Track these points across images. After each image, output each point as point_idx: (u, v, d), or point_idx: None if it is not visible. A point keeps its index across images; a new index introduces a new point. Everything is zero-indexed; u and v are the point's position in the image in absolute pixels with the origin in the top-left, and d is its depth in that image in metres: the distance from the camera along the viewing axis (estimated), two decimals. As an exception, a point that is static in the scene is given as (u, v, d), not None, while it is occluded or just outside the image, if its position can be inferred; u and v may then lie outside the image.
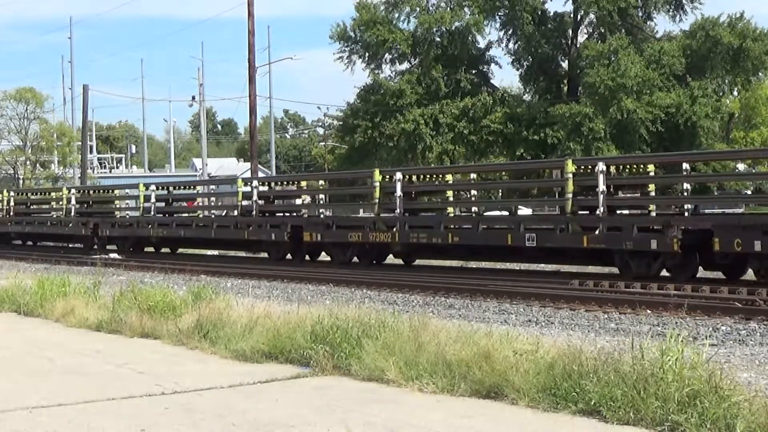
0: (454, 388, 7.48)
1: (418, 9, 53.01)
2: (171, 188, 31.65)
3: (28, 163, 61.14)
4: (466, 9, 52.31)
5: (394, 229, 20.84)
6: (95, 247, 30.93)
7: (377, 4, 53.47)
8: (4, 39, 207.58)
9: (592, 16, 52.57)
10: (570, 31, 54.15)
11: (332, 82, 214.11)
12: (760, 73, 51.96)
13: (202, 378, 8.44)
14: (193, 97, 72.36)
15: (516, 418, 6.70)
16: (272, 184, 28.35)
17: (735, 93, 60.14)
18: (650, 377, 6.45)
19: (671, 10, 51.96)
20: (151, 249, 30.86)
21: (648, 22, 54.26)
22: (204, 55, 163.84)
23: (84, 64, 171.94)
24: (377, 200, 21.60)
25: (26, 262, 27.99)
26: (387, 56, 54.27)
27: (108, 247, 31.54)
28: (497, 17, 53.27)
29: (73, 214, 33.39)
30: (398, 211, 21.17)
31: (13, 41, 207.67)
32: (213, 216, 29.26)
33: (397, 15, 53.65)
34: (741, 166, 44.17)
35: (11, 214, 37.76)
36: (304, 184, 28.02)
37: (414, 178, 22.31)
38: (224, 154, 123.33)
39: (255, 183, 26.15)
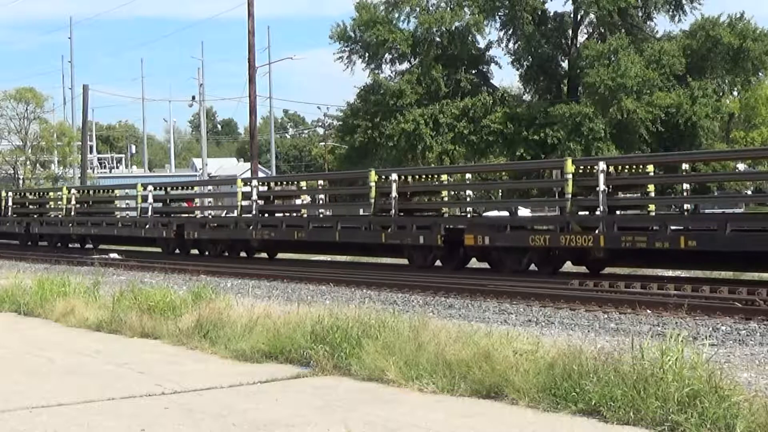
0: (454, 388, 7.48)
1: (418, 9, 53.02)
2: (273, 185, 27.84)
3: (28, 163, 61.16)
4: (466, 9, 52.32)
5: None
6: (176, 251, 28.27)
7: (377, 4, 53.49)
8: (4, 39, 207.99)
9: (592, 16, 52.59)
10: (570, 31, 54.17)
11: (332, 82, 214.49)
12: (760, 73, 51.99)
13: (202, 378, 8.44)
14: (193, 97, 72.44)
15: (516, 418, 6.70)
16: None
17: (735, 93, 60.13)
18: (650, 377, 6.45)
19: (671, 10, 51.97)
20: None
21: (648, 22, 54.29)
22: (204, 55, 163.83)
23: (84, 64, 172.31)
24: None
25: (26, 262, 27.98)
26: (387, 56, 54.30)
27: (194, 251, 28.54)
28: (497, 17, 53.28)
29: (150, 213, 29.48)
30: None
31: (13, 41, 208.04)
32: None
33: (397, 15, 53.68)
34: (741, 166, 44.16)
35: (72, 214, 33.48)
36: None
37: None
38: (224, 154, 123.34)
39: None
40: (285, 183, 27.53)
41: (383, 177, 21.88)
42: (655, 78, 47.23)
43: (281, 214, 25.54)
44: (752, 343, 10.41)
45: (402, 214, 21.26)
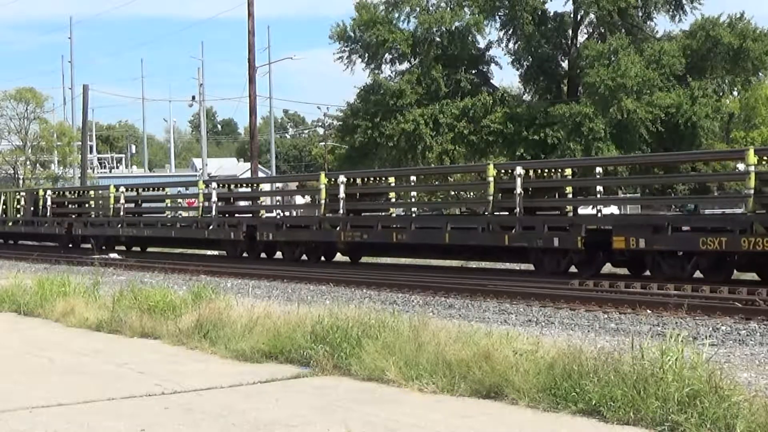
0: (454, 388, 7.48)
1: (418, 9, 52.98)
2: (361, 181, 24.38)
3: (28, 163, 61.19)
4: (466, 9, 52.29)
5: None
6: (244, 254, 25.99)
7: (377, 4, 53.45)
8: (4, 39, 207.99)
9: (592, 16, 52.54)
10: (570, 31, 54.11)
11: (332, 82, 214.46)
12: (760, 73, 51.94)
13: (202, 378, 8.44)
14: (193, 97, 72.39)
15: (516, 418, 6.70)
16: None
17: (735, 93, 60.11)
18: (650, 377, 6.45)
19: (671, 10, 51.92)
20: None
21: (648, 22, 54.23)
22: (204, 55, 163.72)
23: (84, 64, 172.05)
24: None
25: (26, 262, 27.96)
26: (387, 56, 54.23)
27: (265, 256, 26.15)
28: (497, 17, 53.24)
29: (214, 213, 26.61)
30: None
31: (13, 41, 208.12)
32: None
33: (397, 15, 53.62)
34: (741, 166, 44.05)
35: (121, 213, 30.71)
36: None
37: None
38: (224, 154, 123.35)
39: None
40: (373, 179, 24.18)
41: (504, 171, 19.51)
42: (655, 78, 47.19)
43: (371, 214, 23.05)
44: (752, 343, 10.42)
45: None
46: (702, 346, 7.08)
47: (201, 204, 26.99)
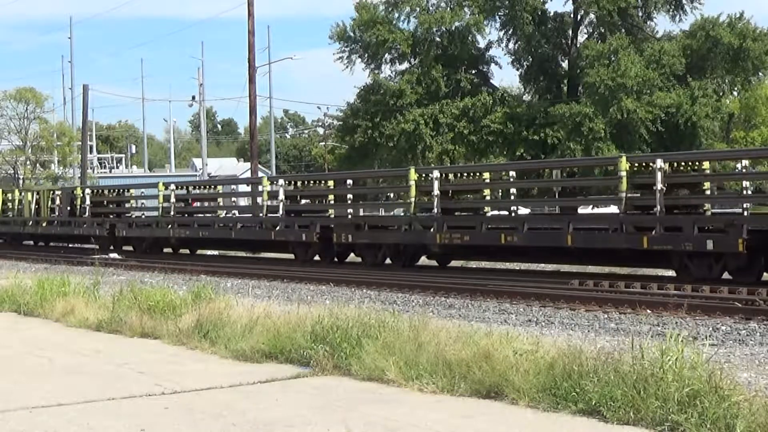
0: (454, 388, 7.48)
1: (418, 9, 53.03)
2: (453, 177, 22.23)
3: (28, 163, 61.18)
4: (466, 9, 52.34)
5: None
6: (315, 257, 23.76)
7: (377, 4, 53.51)
8: (4, 39, 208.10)
9: (592, 16, 52.61)
10: (570, 31, 54.17)
11: (332, 82, 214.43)
12: (760, 73, 51.99)
13: (202, 378, 8.44)
14: (193, 97, 72.33)
15: (516, 418, 6.70)
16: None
17: (735, 93, 60.12)
18: (650, 377, 6.45)
19: (671, 10, 51.99)
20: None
21: (648, 22, 54.30)
22: (204, 55, 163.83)
23: (84, 64, 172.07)
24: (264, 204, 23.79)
25: (26, 261, 27.97)
26: (387, 56, 54.30)
27: (344, 259, 24.04)
28: (497, 17, 53.29)
29: (282, 213, 24.54)
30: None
31: (13, 41, 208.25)
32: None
33: (397, 15, 53.71)
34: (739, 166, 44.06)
35: (172, 213, 28.55)
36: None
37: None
38: (224, 154, 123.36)
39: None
40: (467, 175, 22.36)
41: (638, 164, 17.76)
42: (655, 78, 47.24)
43: (466, 213, 21.35)
44: (752, 343, 10.41)
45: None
46: (702, 346, 7.08)
47: (264, 203, 25.11)
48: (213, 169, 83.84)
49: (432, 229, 20.14)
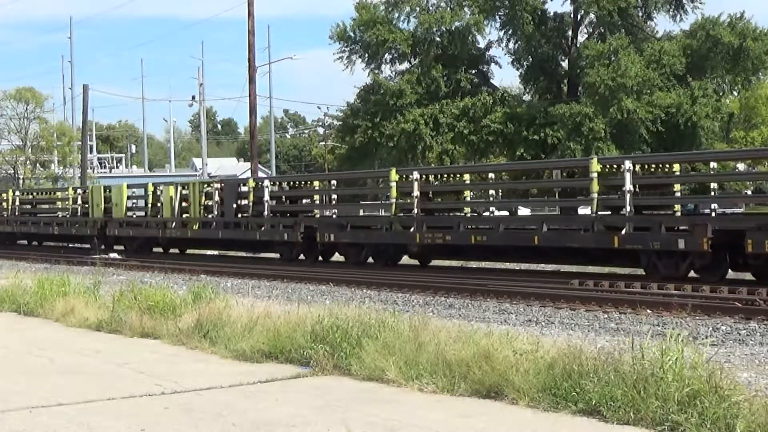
0: (454, 387, 7.47)
1: (418, 9, 52.97)
2: (434, 178, 22.69)
3: (28, 163, 61.16)
4: (466, 9, 52.28)
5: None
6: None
7: (377, 4, 53.44)
8: (4, 39, 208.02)
9: (592, 16, 52.52)
10: (570, 31, 54.10)
11: (332, 82, 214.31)
12: (760, 73, 51.94)
13: (202, 378, 8.44)
14: (193, 97, 72.33)
15: (516, 418, 6.69)
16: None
17: (735, 93, 60.09)
18: (650, 377, 6.45)
19: (671, 9, 51.90)
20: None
21: (648, 22, 54.23)
22: (204, 55, 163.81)
23: (84, 64, 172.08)
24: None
25: (26, 261, 27.97)
26: (387, 56, 54.19)
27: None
28: (497, 17, 53.21)
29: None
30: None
31: (13, 41, 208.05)
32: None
33: (397, 15, 53.59)
34: (741, 166, 44.08)
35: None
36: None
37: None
38: (224, 154, 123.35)
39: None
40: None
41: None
42: (655, 78, 47.18)
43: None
44: (752, 343, 10.41)
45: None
46: (702, 346, 7.08)
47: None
48: (213, 168, 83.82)
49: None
